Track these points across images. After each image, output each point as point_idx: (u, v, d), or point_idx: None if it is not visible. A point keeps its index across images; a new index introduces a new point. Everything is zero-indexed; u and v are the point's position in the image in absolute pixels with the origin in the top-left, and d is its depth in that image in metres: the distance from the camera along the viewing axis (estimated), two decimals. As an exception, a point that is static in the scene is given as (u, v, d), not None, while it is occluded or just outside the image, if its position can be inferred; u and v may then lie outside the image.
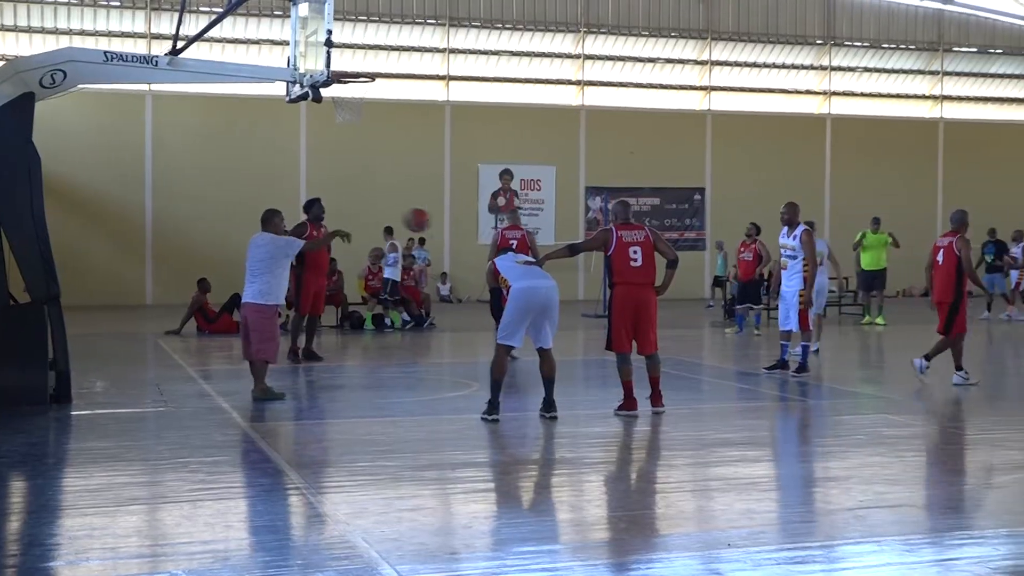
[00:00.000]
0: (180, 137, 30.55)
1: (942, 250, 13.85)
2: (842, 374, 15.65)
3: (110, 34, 30.37)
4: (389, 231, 22.71)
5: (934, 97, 37.41)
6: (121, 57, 12.95)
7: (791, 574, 5.99)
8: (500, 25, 33.21)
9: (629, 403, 10.99)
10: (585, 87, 34.10)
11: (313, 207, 16.09)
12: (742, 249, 20.78)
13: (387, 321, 21.83)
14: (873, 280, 22.87)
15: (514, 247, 16.69)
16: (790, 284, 14.52)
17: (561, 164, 33.37)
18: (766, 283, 21.13)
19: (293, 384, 13.67)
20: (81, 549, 6.33)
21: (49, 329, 11.55)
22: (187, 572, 5.86)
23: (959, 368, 13.58)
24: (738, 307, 21.23)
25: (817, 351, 16.79)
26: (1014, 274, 24.75)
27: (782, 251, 14.73)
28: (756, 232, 20.66)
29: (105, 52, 13.00)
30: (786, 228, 14.64)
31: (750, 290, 20.48)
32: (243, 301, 12.30)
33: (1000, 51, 37.73)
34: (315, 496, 7.55)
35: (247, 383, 12.51)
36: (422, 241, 30.49)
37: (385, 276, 22.00)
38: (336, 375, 15.02)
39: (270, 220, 12.61)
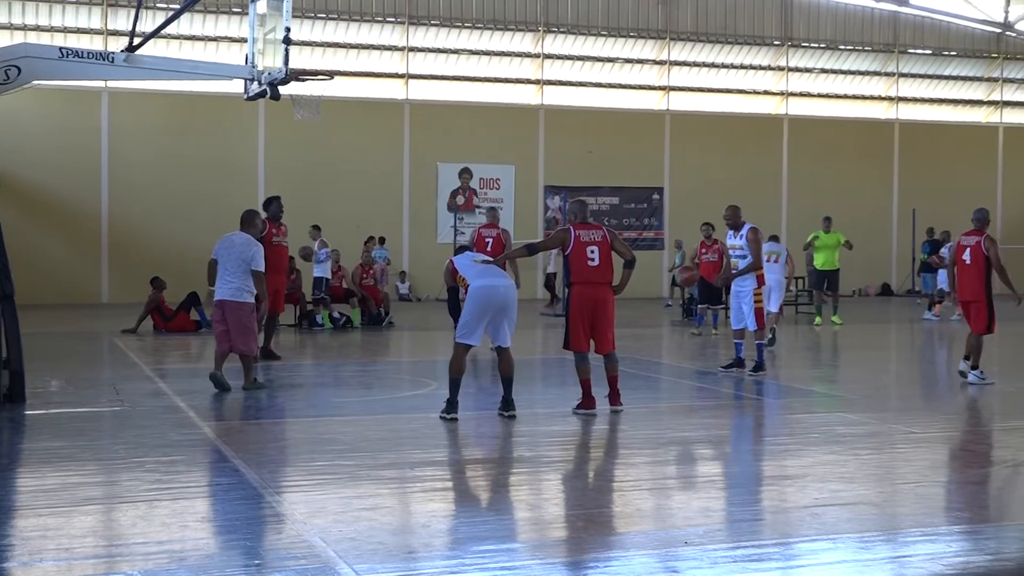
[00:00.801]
0: (137, 134, 30.31)
1: (968, 249, 13.79)
2: (798, 373, 15.77)
3: (66, 30, 30.09)
4: (317, 228, 22.50)
5: (889, 98, 37.77)
6: (76, 53, 12.87)
7: (747, 572, 6.03)
8: (459, 24, 33.20)
9: (587, 402, 11.03)
10: (544, 86, 34.15)
11: (272, 205, 16.06)
12: (704, 250, 20.82)
13: (317, 319, 21.65)
14: (826, 280, 22.99)
15: (489, 246, 16.79)
16: (743, 284, 14.61)
17: (520, 163, 33.41)
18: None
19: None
20: (35, 550, 6.27)
21: (3, 328, 11.43)
22: (143, 573, 5.82)
23: (976, 367, 13.64)
24: (699, 306, 21.31)
25: (772, 342, 17.01)
26: (942, 273, 24.82)
27: (732, 252, 14.84)
28: (713, 231, 20.77)
29: (60, 48, 12.91)
30: (732, 231, 14.76)
31: (713, 290, 20.46)
32: (218, 298, 12.54)
33: (954, 53, 38.15)
34: (273, 495, 7.52)
35: (204, 382, 12.54)
36: (382, 240, 30.43)
37: (315, 275, 21.87)
38: (294, 374, 14.96)
39: (250, 221, 12.77)
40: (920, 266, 25.65)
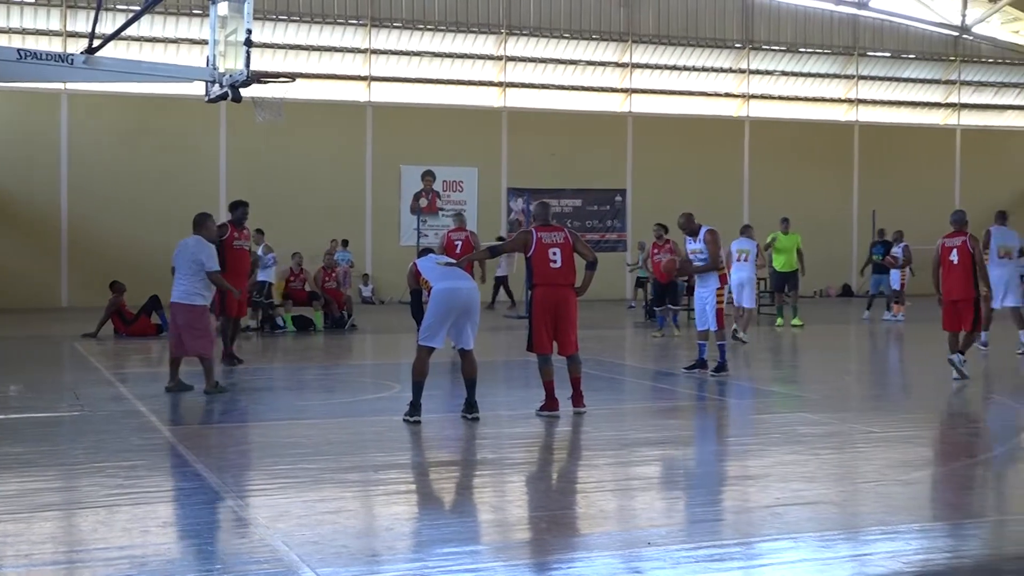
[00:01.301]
0: (97, 137, 30.09)
1: (955, 250, 14.14)
2: (760, 374, 15.86)
3: (24, 32, 29.84)
4: (260, 233, 22.29)
5: (849, 100, 38.05)
6: (35, 55, 12.78)
7: (709, 571, 6.07)
8: (422, 26, 33.16)
9: (551, 403, 11.05)
10: (507, 89, 34.17)
11: (237, 210, 15.95)
12: (655, 251, 20.96)
13: (279, 322, 21.43)
14: (785, 281, 23.07)
15: (459, 248, 16.83)
16: (706, 285, 14.67)
17: (483, 165, 33.41)
18: (685, 283, 21.33)
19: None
20: (-5, 556, 6.22)
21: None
22: (104, 578, 5.79)
23: (962, 353, 14.06)
24: (657, 308, 21.40)
25: (736, 336, 17.46)
26: (895, 274, 25.01)
27: (693, 257, 14.86)
28: (665, 232, 20.90)
29: (19, 50, 12.82)
30: (689, 237, 14.83)
31: (668, 291, 20.63)
32: (171, 300, 12.61)
33: (913, 56, 38.48)
34: (235, 500, 7.49)
35: (164, 386, 12.49)
36: (345, 243, 30.33)
37: (259, 279, 21.47)
38: (257, 377, 14.91)
39: (202, 224, 12.78)
40: (872, 267, 25.74)
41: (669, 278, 19.79)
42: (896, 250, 24.81)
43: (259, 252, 21.56)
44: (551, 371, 11.08)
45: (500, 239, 27.92)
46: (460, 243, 17.30)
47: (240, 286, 15.95)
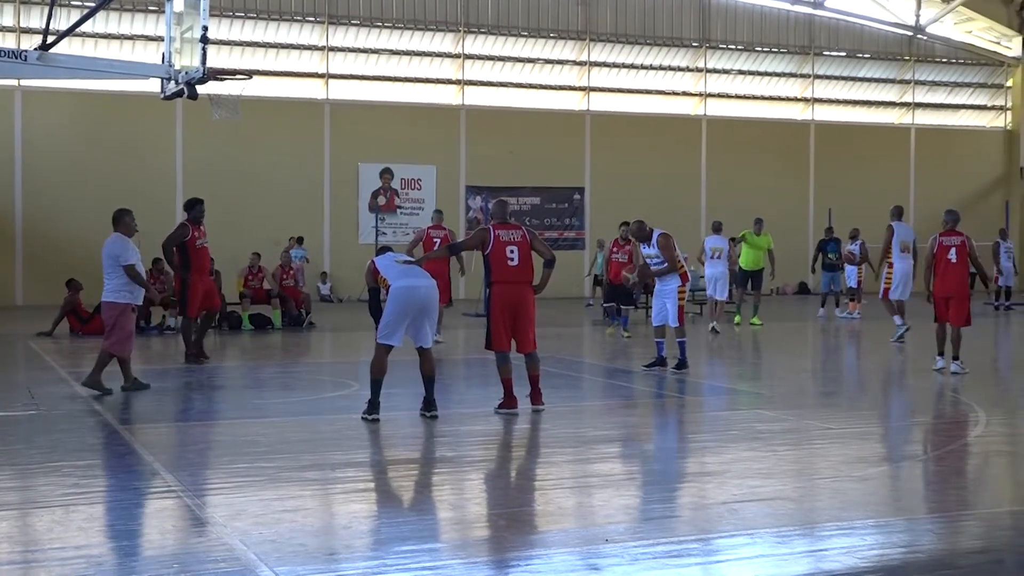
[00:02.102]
0: (51, 134, 29.79)
1: (954, 248, 14.53)
2: (718, 371, 15.95)
3: (-23, 27, 29.51)
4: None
5: (805, 100, 38.32)
6: (-12, 51, 12.62)
7: (667, 568, 6.10)
8: (380, 24, 33.08)
9: (509, 401, 11.07)
10: (465, 86, 34.15)
11: (194, 208, 15.83)
12: (615, 249, 20.68)
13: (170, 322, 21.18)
14: (749, 278, 23.19)
15: (437, 246, 17.10)
16: (668, 283, 14.72)
17: (441, 163, 33.37)
18: (642, 292, 21.40)
19: (171, 385, 13.46)
20: (-52, 557, 6.16)
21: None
22: (60, 578, 5.74)
23: (957, 358, 14.51)
24: (605, 304, 21.40)
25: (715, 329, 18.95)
26: (852, 271, 25.24)
27: (650, 262, 14.87)
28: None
29: (-29, 46, 12.66)
30: (643, 243, 14.91)
31: (620, 291, 20.21)
32: (101, 299, 12.64)
33: (868, 56, 38.81)
34: (192, 499, 7.45)
35: (120, 384, 12.39)
36: (300, 240, 30.21)
37: None
38: (214, 375, 14.82)
39: (120, 220, 12.67)
40: (824, 265, 25.84)
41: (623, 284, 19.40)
42: (853, 247, 24.99)
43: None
44: (509, 368, 11.10)
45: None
46: (439, 240, 17.66)
47: (206, 282, 15.94)
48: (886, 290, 19.20)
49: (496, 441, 10.13)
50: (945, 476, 8.68)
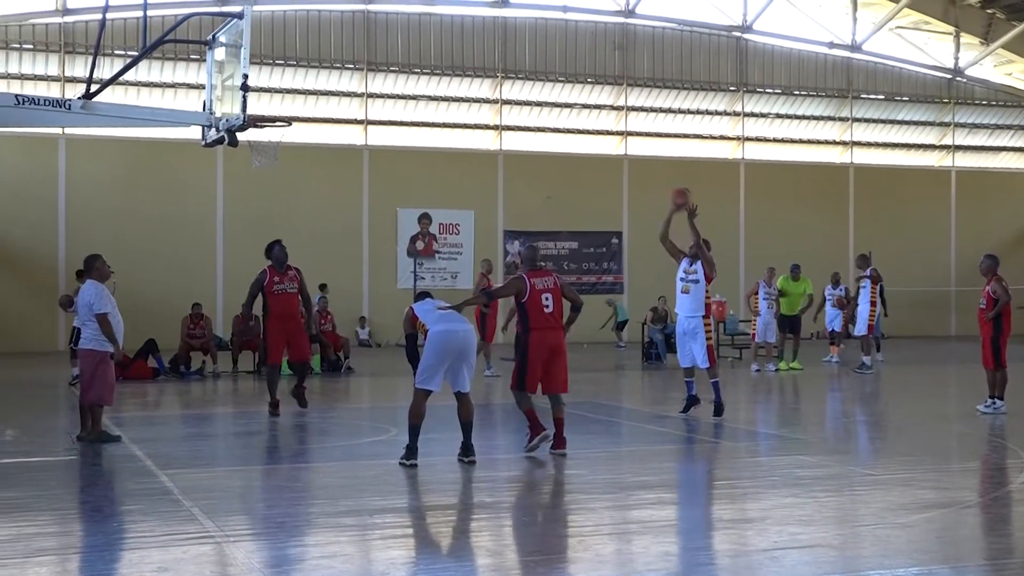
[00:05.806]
0: (95, 181, 30.16)
1: (982, 295, 15.02)
2: (757, 416, 15.82)
3: (22, 77, 29.98)
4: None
5: (844, 143, 38.22)
6: (33, 100, 12.82)
7: (707, 616, 6.03)
8: (418, 70, 33.34)
9: (537, 429, 11.13)
10: (503, 132, 34.31)
11: (272, 250, 15.02)
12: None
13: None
14: (788, 324, 23.14)
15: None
16: (694, 313, 14.51)
17: (479, 208, 33.48)
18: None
19: (208, 430, 13.51)
20: (-12, 602, 6.18)
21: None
22: (98, 624, 5.74)
23: (1001, 397, 14.85)
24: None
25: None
26: (835, 314, 25.18)
27: (685, 277, 14.69)
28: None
29: (16, 95, 12.87)
30: (687, 260, 14.84)
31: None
32: (79, 347, 12.50)
33: (907, 98, 38.69)
34: (230, 544, 7.45)
35: (161, 429, 12.46)
36: (322, 287, 30.20)
37: None
38: (253, 421, 14.85)
39: (91, 267, 12.47)
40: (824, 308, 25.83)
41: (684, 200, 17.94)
42: (839, 290, 25.15)
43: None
44: (530, 400, 11.24)
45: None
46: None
47: (287, 328, 14.79)
48: (871, 326, 22.17)
49: (534, 487, 10.08)
50: (990, 523, 8.55)
